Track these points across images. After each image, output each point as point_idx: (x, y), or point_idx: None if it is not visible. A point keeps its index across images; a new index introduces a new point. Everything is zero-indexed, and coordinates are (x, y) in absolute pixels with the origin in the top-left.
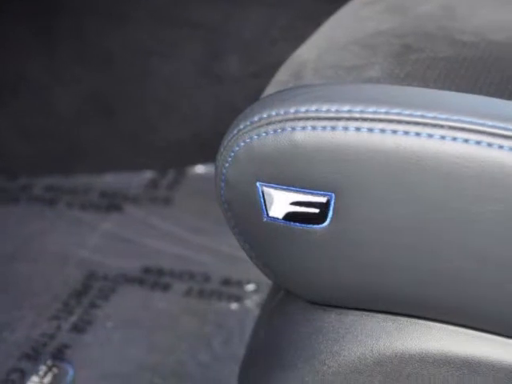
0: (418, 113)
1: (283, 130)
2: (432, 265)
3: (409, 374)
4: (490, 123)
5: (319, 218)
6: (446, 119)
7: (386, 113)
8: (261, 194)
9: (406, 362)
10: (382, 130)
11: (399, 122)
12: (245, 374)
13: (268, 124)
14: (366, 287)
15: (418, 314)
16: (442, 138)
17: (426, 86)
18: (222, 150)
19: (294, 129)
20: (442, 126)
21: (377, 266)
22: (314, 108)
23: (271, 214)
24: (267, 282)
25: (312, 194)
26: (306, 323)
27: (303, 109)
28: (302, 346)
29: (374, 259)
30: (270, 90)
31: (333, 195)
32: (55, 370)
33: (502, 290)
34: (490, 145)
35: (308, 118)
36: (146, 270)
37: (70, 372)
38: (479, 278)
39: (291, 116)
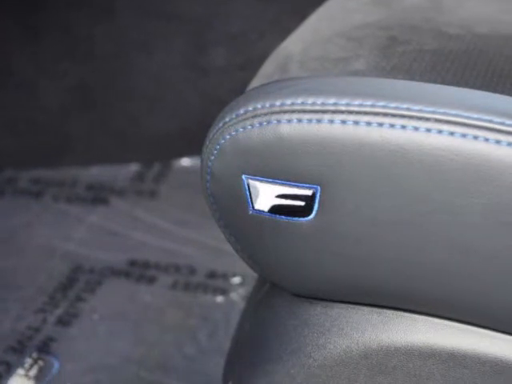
0: (404, 106)
1: (269, 122)
2: (417, 258)
3: (394, 367)
4: (476, 116)
5: (305, 211)
6: (432, 112)
7: (372, 106)
8: (246, 186)
9: (392, 354)
10: (368, 123)
11: (385, 114)
12: (230, 367)
13: (253, 117)
14: (351, 280)
15: (403, 306)
16: (428, 130)
17: (412, 78)
18: (207, 142)
19: (279, 121)
20: (427, 119)
21: (362, 259)
22: (299, 101)
23: (257, 206)
24: (253, 275)
25: (298, 186)
26: (292, 316)
27: (289, 101)
28: (287, 338)
29: (359, 252)
30: (255, 82)
31: (318, 188)
32: (41, 362)
33: (486, 283)
34: (475, 137)
35: (294, 111)
36: (132, 263)
37: (56, 365)
38: (464, 271)
39: (277, 109)
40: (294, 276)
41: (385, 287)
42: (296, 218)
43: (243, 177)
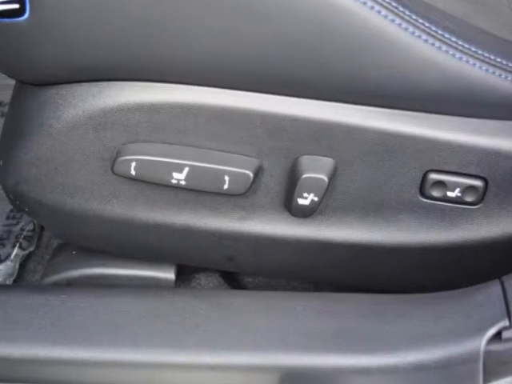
0: None
1: None
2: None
3: (113, 122)
4: None
5: (19, 12)
6: None
7: None
8: None
9: (109, 112)
10: None
11: None
12: (1, 145)
13: None
14: (74, 61)
15: (112, 77)
16: None
17: None
18: None
19: None
20: None
21: (85, 39)
22: None
23: None
24: None
25: None
26: (34, 100)
27: None
28: (34, 116)
29: (81, 34)
30: None
31: None
32: None
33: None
34: None
35: None
36: None
37: None
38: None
39: None
40: (26, 68)
41: (104, 62)
42: (14, 19)
43: None
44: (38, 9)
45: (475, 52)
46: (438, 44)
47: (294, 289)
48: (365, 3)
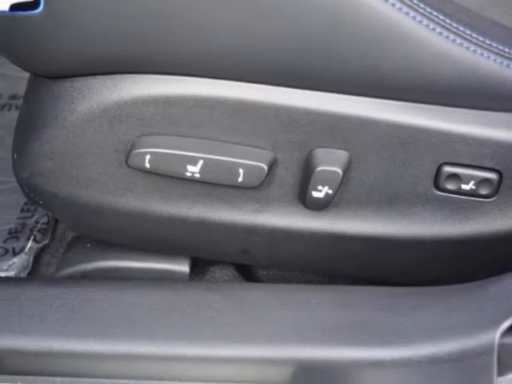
0: None
1: None
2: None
3: (127, 115)
4: None
5: (34, 4)
6: None
7: None
8: None
9: (123, 105)
10: None
11: None
12: (15, 143)
13: None
14: (90, 53)
15: (127, 70)
16: None
17: None
18: None
19: None
20: None
21: (96, 30)
22: None
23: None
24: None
25: None
26: (49, 93)
27: None
28: (48, 109)
29: (90, 25)
30: None
31: None
32: None
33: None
34: None
35: None
36: None
37: None
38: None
39: None
40: (40, 61)
41: (116, 55)
42: (28, 12)
43: None
44: (53, 1)
45: (489, 45)
46: (452, 37)
47: (308, 282)
48: None
